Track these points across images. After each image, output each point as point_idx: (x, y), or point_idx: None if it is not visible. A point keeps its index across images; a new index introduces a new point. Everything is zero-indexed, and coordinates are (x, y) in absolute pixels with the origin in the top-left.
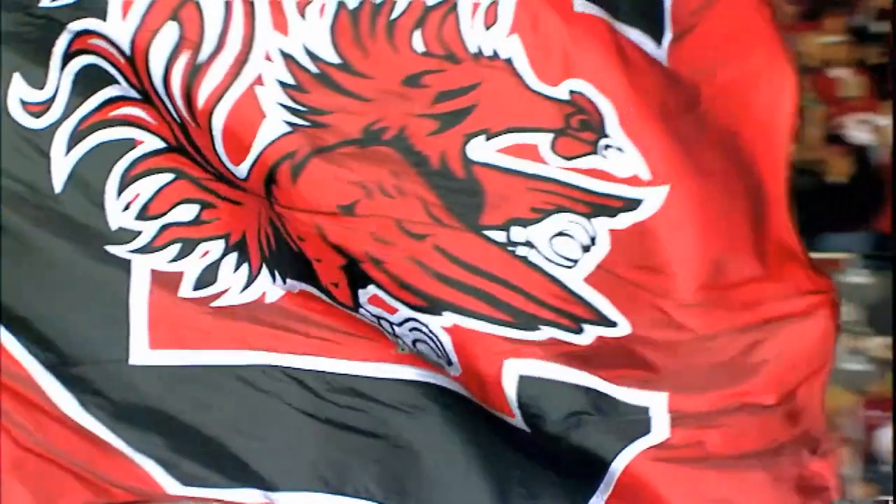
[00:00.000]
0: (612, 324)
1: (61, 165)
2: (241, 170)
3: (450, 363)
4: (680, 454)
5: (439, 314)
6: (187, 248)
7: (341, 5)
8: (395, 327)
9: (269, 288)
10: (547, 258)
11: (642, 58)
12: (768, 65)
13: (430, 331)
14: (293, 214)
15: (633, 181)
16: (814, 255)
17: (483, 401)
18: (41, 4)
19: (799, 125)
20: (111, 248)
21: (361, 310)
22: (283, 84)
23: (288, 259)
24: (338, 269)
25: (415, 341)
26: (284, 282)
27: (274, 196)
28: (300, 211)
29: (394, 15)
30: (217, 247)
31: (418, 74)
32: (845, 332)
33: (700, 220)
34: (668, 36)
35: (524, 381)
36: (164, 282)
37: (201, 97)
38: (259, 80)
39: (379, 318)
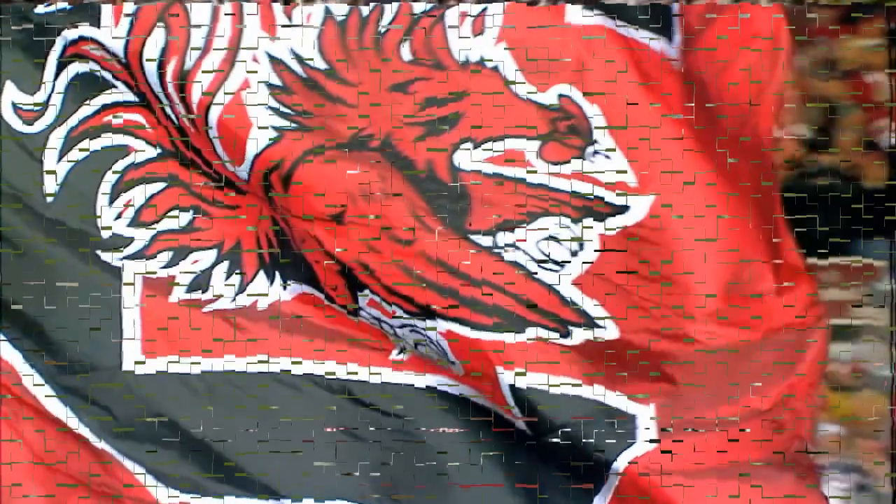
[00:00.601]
0: (600, 327)
1: (54, 171)
2: (242, 172)
3: (453, 363)
4: (672, 462)
5: (432, 320)
6: (179, 256)
7: (328, 15)
8: (396, 329)
9: (265, 293)
10: (534, 261)
11: (653, 57)
12: (776, 65)
13: (428, 335)
14: (291, 219)
15: (620, 187)
16: (848, 260)
17: (490, 399)
18: (36, 10)
19: (833, 130)
20: (103, 255)
21: (362, 312)
22: (269, 86)
23: (291, 261)
24: (335, 273)
25: (416, 343)
26: (285, 285)
27: (273, 200)
28: (294, 217)
29: (381, 27)
30: (209, 255)
31: (406, 82)
32: (880, 339)
33: (711, 227)
34: (678, 38)
35: (516, 391)
36: (156, 288)
37: (194, 100)
38: (246, 84)
39: (379, 320)
